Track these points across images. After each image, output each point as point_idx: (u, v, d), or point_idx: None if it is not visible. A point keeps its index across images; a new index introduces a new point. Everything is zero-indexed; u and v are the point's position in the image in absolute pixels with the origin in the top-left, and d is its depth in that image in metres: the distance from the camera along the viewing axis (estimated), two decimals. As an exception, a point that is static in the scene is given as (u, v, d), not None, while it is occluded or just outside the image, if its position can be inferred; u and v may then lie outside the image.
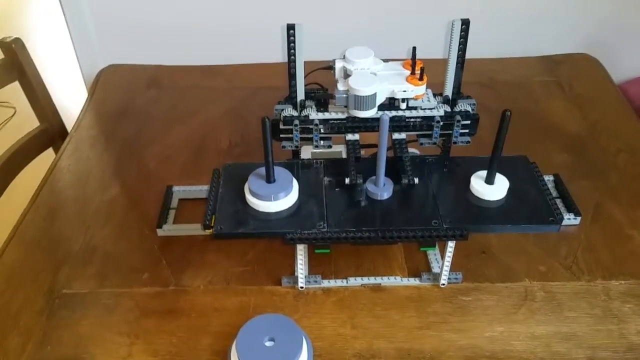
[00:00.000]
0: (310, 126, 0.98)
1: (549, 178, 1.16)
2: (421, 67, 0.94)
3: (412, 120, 0.97)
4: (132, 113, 1.44)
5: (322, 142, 1.00)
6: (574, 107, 1.42)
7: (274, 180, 0.89)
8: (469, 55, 0.96)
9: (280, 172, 0.91)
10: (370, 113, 0.95)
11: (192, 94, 1.50)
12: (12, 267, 1.04)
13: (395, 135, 0.99)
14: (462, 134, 0.99)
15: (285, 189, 0.89)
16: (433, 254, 1.02)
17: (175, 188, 1.15)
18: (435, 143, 1.00)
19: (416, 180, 0.92)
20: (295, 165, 0.98)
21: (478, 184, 0.90)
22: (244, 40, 1.68)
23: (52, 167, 1.27)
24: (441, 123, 0.97)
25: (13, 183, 1.37)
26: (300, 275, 0.95)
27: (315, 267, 1.01)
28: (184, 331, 0.92)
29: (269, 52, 1.61)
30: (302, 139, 1.00)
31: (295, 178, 0.92)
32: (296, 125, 0.97)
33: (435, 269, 0.99)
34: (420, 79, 0.94)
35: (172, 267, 1.02)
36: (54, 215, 1.15)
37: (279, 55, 1.63)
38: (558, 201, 1.13)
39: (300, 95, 0.99)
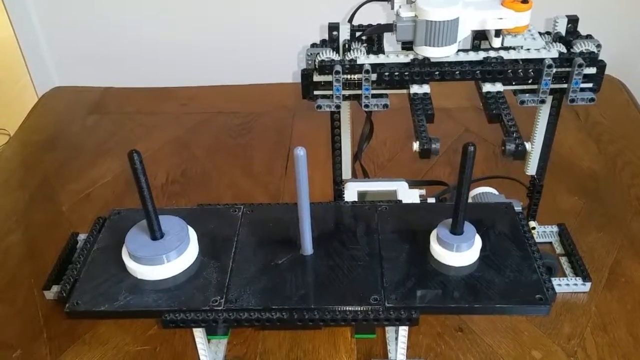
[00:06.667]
0: (358, 76, 0.70)
1: (552, 229, 0.91)
2: None
3: (510, 65, 0.70)
4: (63, 143, 1.22)
5: (374, 100, 0.72)
6: (589, 139, 1.16)
7: (161, 236, 0.66)
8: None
9: (173, 223, 0.67)
10: (448, 51, 0.68)
11: (136, 121, 1.28)
12: None
13: (488, 87, 0.71)
14: (583, 89, 0.71)
15: (174, 249, 0.65)
16: (393, 330, 0.77)
17: (82, 236, 0.92)
18: (543, 101, 0.72)
19: (528, 147, 0.65)
20: (205, 213, 0.74)
21: (439, 245, 0.65)
22: (205, 59, 1.46)
23: (-44, 206, 1.06)
24: (554, 70, 0.69)
25: None
26: (204, 363, 0.71)
27: (239, 345, 0.78)
28: None
29: (234, 75, 1.41)
30: (347, 97, 0.72)
31: (198, 230, 0.69)
32: (337, 72, 0.69)
33: (393, 355, 0.74)
34: (525, 1, 0.67)
35: (53, 342, 0.79)
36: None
37: (246, 77, 1.42)
38: (563, 260, 0.88)
39: (344, 33, 0.74)
